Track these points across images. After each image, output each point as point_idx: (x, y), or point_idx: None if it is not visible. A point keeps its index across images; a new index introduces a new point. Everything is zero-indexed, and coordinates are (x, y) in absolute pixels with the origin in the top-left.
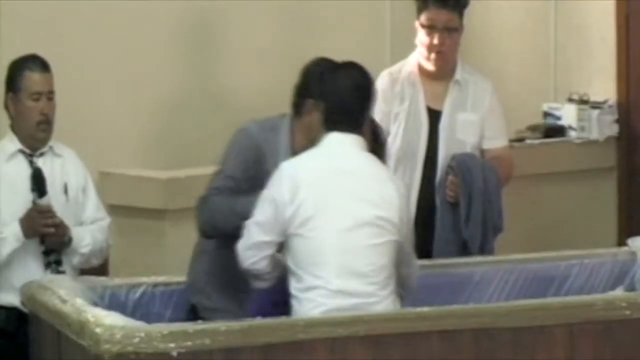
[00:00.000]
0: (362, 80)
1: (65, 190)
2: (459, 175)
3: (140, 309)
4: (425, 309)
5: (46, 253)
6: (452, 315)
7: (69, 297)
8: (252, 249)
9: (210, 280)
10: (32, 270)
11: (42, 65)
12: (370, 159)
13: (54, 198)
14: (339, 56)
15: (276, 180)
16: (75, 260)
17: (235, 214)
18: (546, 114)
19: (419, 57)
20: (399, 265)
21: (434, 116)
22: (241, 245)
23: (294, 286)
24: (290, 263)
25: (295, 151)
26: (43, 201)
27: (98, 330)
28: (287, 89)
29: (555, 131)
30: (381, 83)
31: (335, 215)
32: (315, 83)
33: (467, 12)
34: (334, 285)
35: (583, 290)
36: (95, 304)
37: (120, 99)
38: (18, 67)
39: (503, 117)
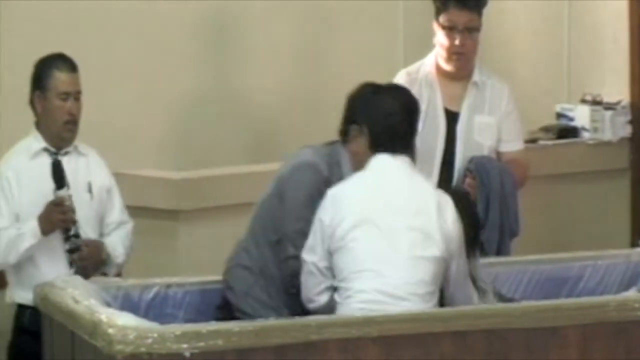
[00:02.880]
0: (407, 100)
1: (89, 189)
2: (477, 177)
3: (153, 309)
4: (438, 310)
5: (70, 251)
6: (464, 316)
7: (82, 297)
8: (309, 275)
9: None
10: (56, 268)
11: (70, 65)
12: (412, 175)
13: (78, 196)
14: (353, 56)
15: (323, 203)
16: (112, 271)
17: None
18: (559, 115)
19: (438, 58)
20: (445, 284)
21: (452, 118)
22: (302, 280)
23: (336, 300)
24: (335, 283)
25: None
26: (61, 193)
27: (111, 330)
28: (300, 89)
29: (568, 132)
30: (399, 82)
31: (374, 227)
32: (358, 107)
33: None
34: (370, 294)
35: (596, 291)
36: (108, 305)
37: (134, 99)
38: (46, 66)
39: (519, 120)
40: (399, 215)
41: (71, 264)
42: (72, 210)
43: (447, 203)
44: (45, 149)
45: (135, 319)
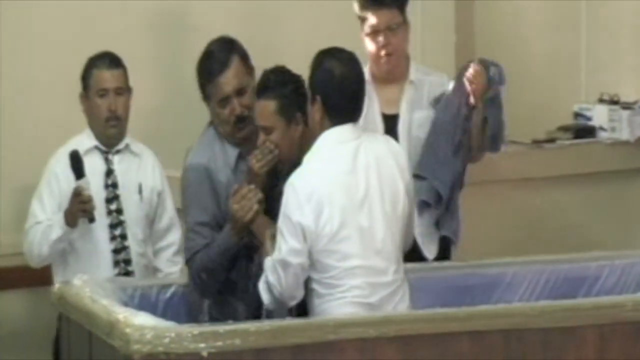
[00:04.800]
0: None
1: (140, 190)
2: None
3: (170, 309)
4: (455, 309)
5: (116, 251)
6: (482, 316)
7: (99, 297)
8: (295, 277)
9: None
10: (100, 268)
11: (110, 61)
12: (366, 145)
13: (128, 197)
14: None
15: (293, 201)
16: None
17: (221, 255)
18: (577, 115)
19: (371, 64)
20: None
21: (391, 121)
22: (281, 282)
23: (318, 290)
24: (317, 276)
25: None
26: (80, 183)
27: (128, 330)
28: None
29: (585, 132)
30: None
31: (356, 222)
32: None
33: (498, 12)
34: (365, 290)
35: (614, 291)
36: (126, 304)
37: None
38: (88, 66)
39: None
40: (373, 201)
41: (115, 264)
42: (90, 200)
43: (400, 153)
44: (96, 147)
45: (152, 318)
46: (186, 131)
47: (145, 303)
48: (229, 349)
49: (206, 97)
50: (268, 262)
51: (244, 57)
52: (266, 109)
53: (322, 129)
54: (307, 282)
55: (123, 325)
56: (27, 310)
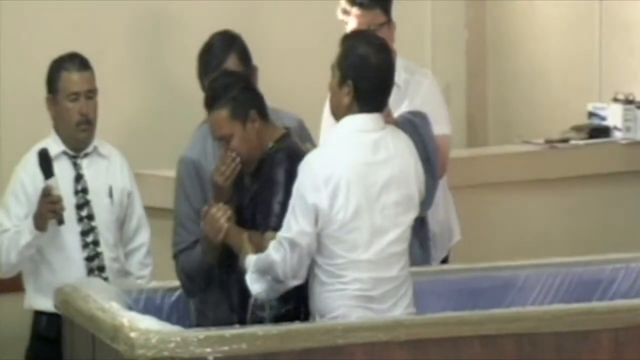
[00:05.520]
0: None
1: (110, 194)
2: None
3: (176, 312)
4: (467, 313)
5: (89, 259)
6: (494, 320)
7: (103, 300)
8: (300, 258)
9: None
10: (74, 276)
11: (80, 63)
12: (384, 137)
13: (99, 201)
14: None
15: (310, 181)
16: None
17: (198, 268)
18: (591, 114)
19: None
20: None
21: None
22: (286, 260)
23: (321, 278)
24: (321, 261)
25: None
26: (49, 182)
27: (133, 334)
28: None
29: (600, 132)
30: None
31: (369, 214)
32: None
33: (512, 10)
34: (367, 284)
35: (629, 294)
36: (130, 308)
37: (152, 99)
38: (56, 68)
39: (444, 106)
40: (388, 198)
41: (89, 272)
42: (60, 200)
43: (417, 155)
44: (64, 153)
45: (157, 322)
46: (171, 131)
47: (150, 306)
48: (235, 353)
49: (203, 87)
50: (272, 241)
51: (244, 55)
52: (220, 118)
53: (348, 114)
54: (311, 267)
55: (128, 329)
56: None
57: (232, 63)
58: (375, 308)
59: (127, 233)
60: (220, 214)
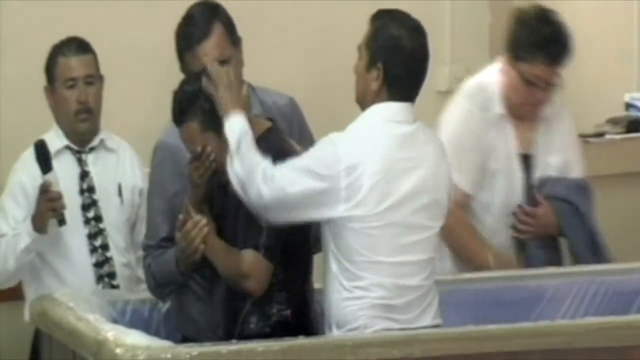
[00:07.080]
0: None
1: (120, 192)
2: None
3: (166, 326)
4: (491, 327)
5: (97, 265)
6: (520, 335)
7: (85, 313)
8: (273, 200)
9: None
10: (82, 283)
11: (77, 47)
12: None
13: (107, 201)
14: None
15: (333, 160)
16: None
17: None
18: (628, 106)
19: (506, 101)
20: None
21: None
22: (261, 190)
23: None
24: (340, 256)
25: None
26: (48, 178)
27: (118, 350)
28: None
29: (638, 125)
30: (469, 121)
31: (393, 220)
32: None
33: None
34: (389, 291)
35: None
36: (115, 321)
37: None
38: (52, 54)
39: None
40: (415, 203)
41: (99, 279)
42: (60, 197)
43: (440, 144)
44: (67, 147)
45: (145, 337)
46: None
47: (137, 319)
48: None
49: (184, 65)
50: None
51: (229, 26)
52: (191, 131)
53: (376, 101)
54: (329, 265)
55: (112, 344)
56: None
57: (217, 33)
58: (399, 319)
59: (138, 236)
60: (196, 232)
